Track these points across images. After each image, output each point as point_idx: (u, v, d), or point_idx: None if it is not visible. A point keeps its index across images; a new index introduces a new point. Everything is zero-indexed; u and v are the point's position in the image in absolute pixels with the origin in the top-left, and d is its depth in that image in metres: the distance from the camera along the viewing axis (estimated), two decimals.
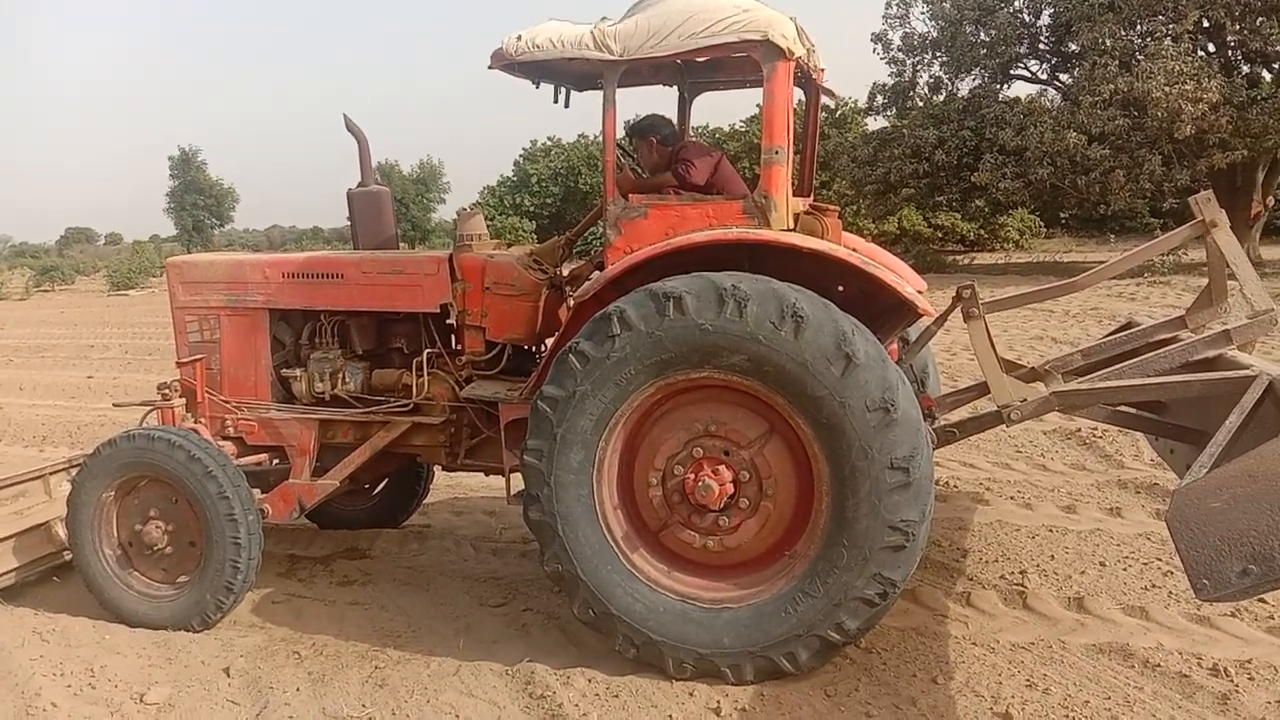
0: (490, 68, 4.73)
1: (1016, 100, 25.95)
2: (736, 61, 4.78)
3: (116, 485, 5.13)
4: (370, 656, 4.72)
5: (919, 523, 3.99)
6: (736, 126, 36.82)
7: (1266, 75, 23.00)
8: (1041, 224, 36.20)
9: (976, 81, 27.05)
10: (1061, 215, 34.93)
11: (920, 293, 4.84)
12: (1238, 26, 21.82)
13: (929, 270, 27.18)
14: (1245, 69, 23.04)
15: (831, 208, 4.95)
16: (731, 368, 4.11)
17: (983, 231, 35.14)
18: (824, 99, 5.54)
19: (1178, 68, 20.00)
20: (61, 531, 5.65)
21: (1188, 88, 19.75)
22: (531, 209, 41.14)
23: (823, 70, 5.19)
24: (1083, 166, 22.05)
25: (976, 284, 4.83)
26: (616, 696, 4.14)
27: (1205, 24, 22.25)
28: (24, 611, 5.37)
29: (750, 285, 4.04)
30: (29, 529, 5.66)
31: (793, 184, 5.05)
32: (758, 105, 4.78)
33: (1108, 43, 22.11)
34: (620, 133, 4.84)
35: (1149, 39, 21.77)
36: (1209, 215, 4.57)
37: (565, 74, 5.00)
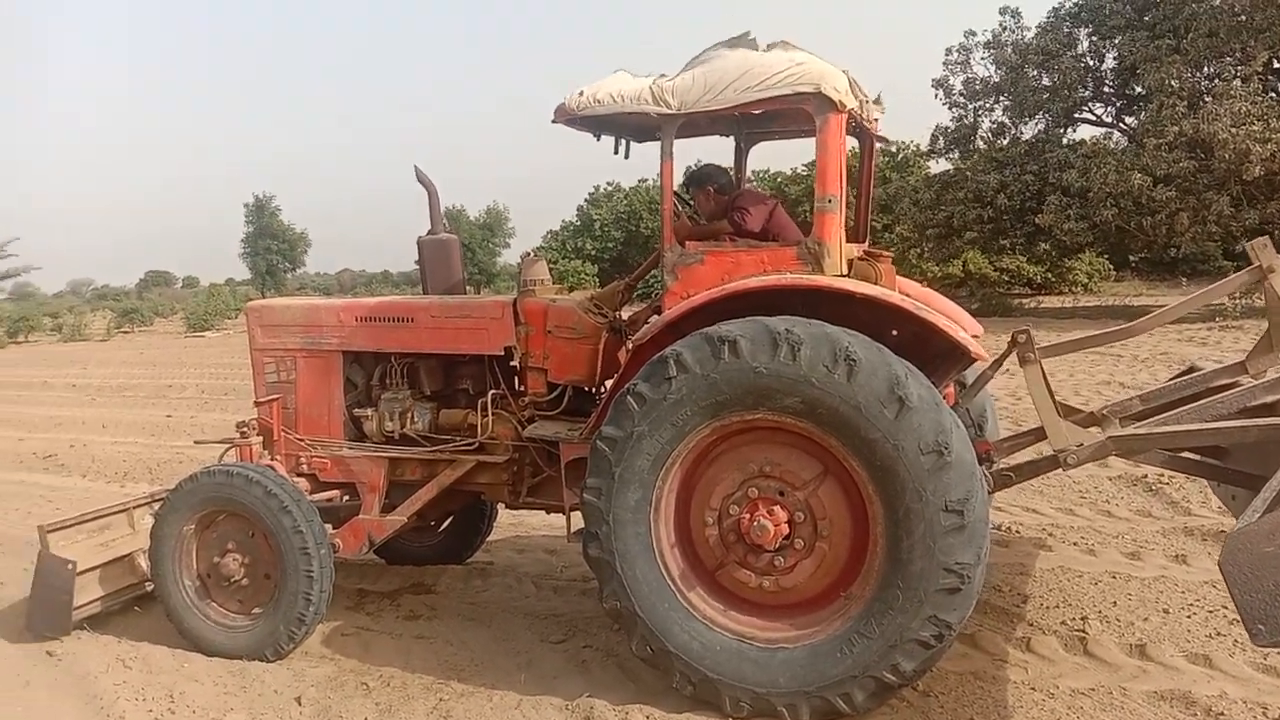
0: (554, 122, 4.93)
1: (1081, 143, 25.72)
2: (791, 112, 4.92)
3: (197, 519, 5.37)
4: (435, 689, 4.86)
5: (974, 565, 4.03)
6: (799, 170, 36.99)
7: None
8: (1111, 267, 35.61)
9: (1040, 125, 26.91)
10: (1131, 258, 34.37)
11: (976, 337, 4.91)
12: None
13: (994, 314, 26.93)
14: None
15: (885, 253, 5.05)
16: (785, 410, 4.21)
17: (1049, 275, 34.68)
18: (880, 145, 5.66)
19: (1245, 108, 19.72)
20: (144, 563, 5.90)
21: (1255, 128, 19.44)
22: (594, 253, 41.65)
23: (877, 120, 5.31)
24: (1148, 208, 21.74)
25: (1033, 329, 4.87)
26: None
27: (1276, 65, 21.95)
28: (108, 638, 5.62)
29: (803, 329, 4.15)
30: (113, 560, 5.90)
31: (847, 230, 5.18)
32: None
33: (1174, 84, 21.90)
34: (678, 181, 5.01)
35: (1216, 80, 21.53)
36: (1266, 261, 4.58)
37: (625, 127, 5.19)
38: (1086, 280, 35.11)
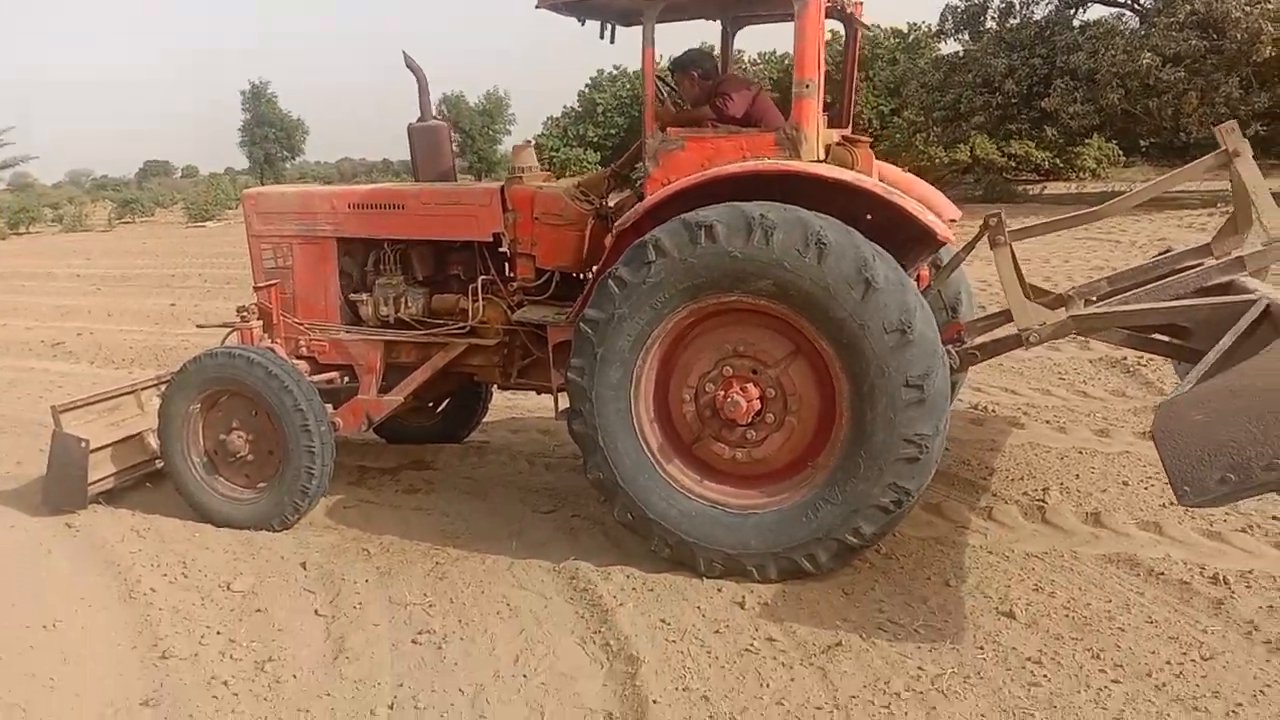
0: (537, 7, 4.99)
1: (1092, 23, 25.14)
2: None
3: (202, 399, 5.63)
4: (432, 554, 5.19)
5: (933, 437, 4.27)
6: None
7: None
8: (1120, 153, 35.15)
9: (1051, 5, 26.29)
10: (1141, 144, 33.91)
11: (952, 221, 5.06)
12: None
13: (998, 200, 26.78)
14: None
15: (863, 139, 5.15)
16: (759, 292, 4.40)
17: (1058, 160, 34.28)
18: (865, 30, 5.69)
19: None
20: (153, 441, 6.20)
21: (1269, 6, 19.04)
22: (596, 139, 41.10)
23: (860, 4, 5.35)
24: (1155, 90, 21.40)
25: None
26: (651, 590, 4.55)
27: None
28: (123, 512, 5.95)
29: (777, 214, 4.30)
30: (124, 439, 6.19)
31: (829, 115, 5.28)
32: None
33: None
34: (664, 66, 5.08)
35: None
36: (1232, 145, 4.69)
37: (608, 10, 5.23)
38: (1095, 166, 34.72)
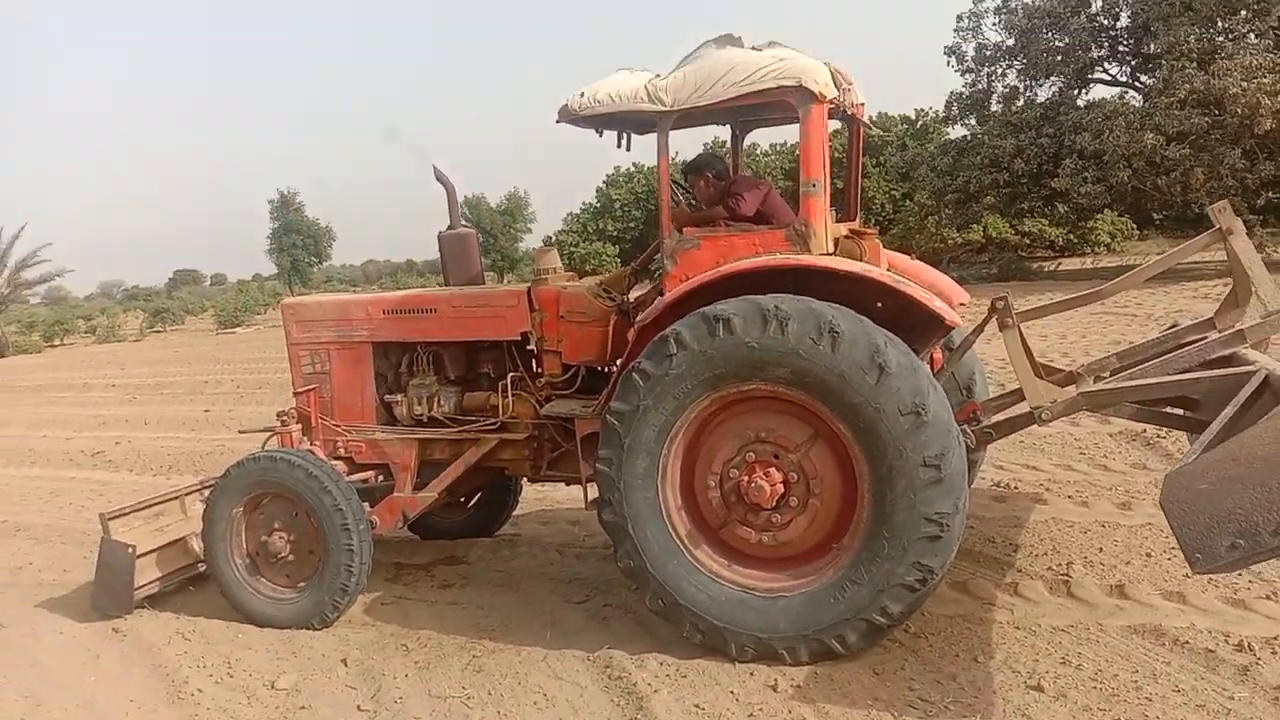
0: (558, 121, 5.31)
1: (1097, 103, 25.70)
2: (778, 104, 5.25)
3: (245, 501, 5.83)
4: (468, 648, 5.30)
5: (953, 514, 4.41)
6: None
7: None
8: (1133, 226, 35.47)
9: (1054, 87, 26.92)
10: (1154, 216, 34.24)
11: (960, 305, 5.27)
12: None
13: (1013, 278, 27.07)
14: None
15: (870, 230, 5.41)
16: (777, 380, 4.59)
17: (1071, 236, 34.62)
18: (866, 129, 5.99)
19: (1255, 62, 19.72)
20: (197, 545, 6.39)
21: (1266, 81, 19.46)
22: (615, 234, 41.91)
23: (862, 105, 5.65)
24: (1162, 167, 21.78)
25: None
26: (685, 676, 4.64)
27: None
28: (167, 615, 6.12)
29: (791, 305, 4.52)
30: (169, 543, 6.38)
31: (837, 209, 5.54)
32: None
33: (1189, 42, 21.87)
34: (678, 170, 5.37)
35: (1229, 37, 21.49)
36: (1225, 223, 4.90)
37: (624, 122, 5.56)
38: (1109, 240, 35.02)
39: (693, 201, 5.99)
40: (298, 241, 49.82)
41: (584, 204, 44.20)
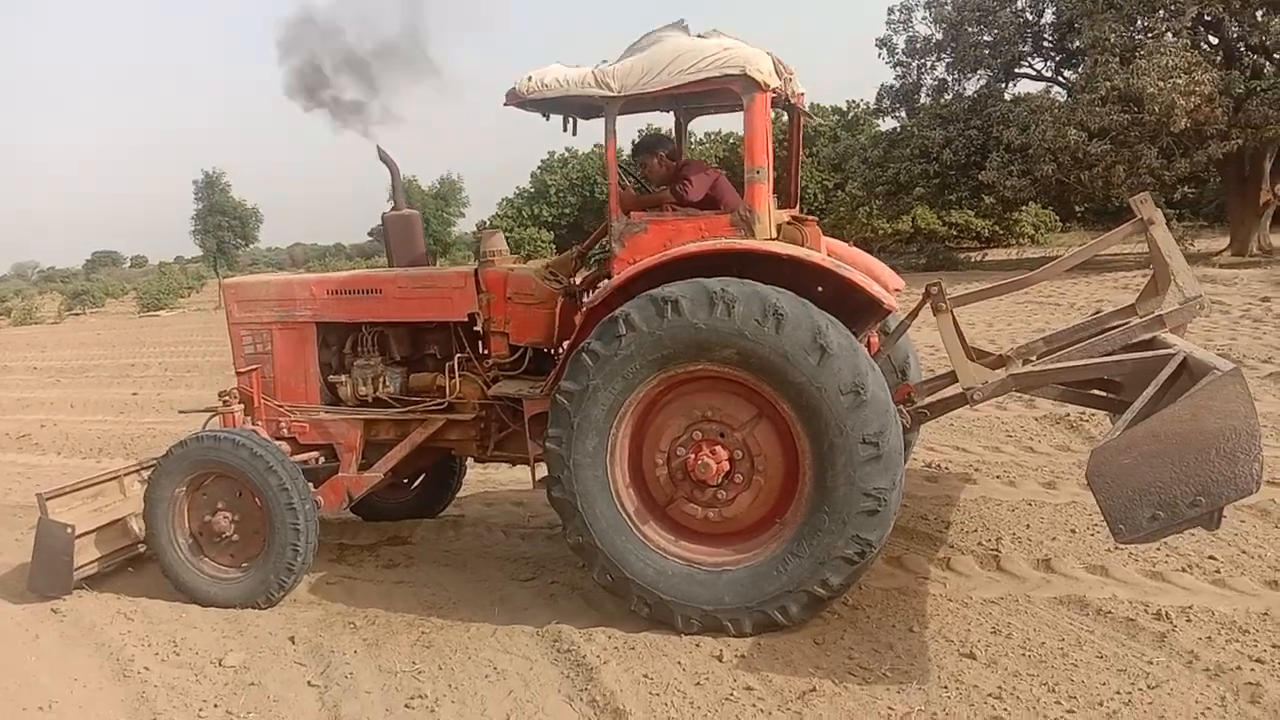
0: (505, 104, 5.36)
1: (1023, 98, 26.38)
2: (722, 91, 5.37)
3: (188, 481, 5.79)
4: (417, 625, 5.36)
5: (890, 490, 4.59)
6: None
7: (1268, 66, 23.30)
8: (1056, 218, 36.54)
9: (982, 81, 27.53)
10: (1076, 209, 35.29)
11: (895, 291, 5.45)
12: (1235, 20, 22.24)
13: (941, 268, 27.68)
14: (1249, 60, 23.34)
15: (811, 218, 5.57)
16: (723, 360, 4.73)
17: (997, 228, 35.58)
18: (805, 118, 6.15)
19: (1170, 62, 20.41)
20: (136, 526, 6.33)
21: (1180, 81, 20.15)
22: (549, 219, 41.84)
23: (802, 94, 5.80)
24: (1085, 162, 22.46)
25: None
26: (633, 649, 4.77)
27: (1206, 18, 22.64)
28: (108, 596, 6.05)
29: (737, 288, 4.65)
30: (108, 524, 6.30)
31: (779, 196, 5.68)
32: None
33: (1110, 39, 22.53)
34: (627, 152, 5.45)
35: (1149, 35, 22.20)
36: (1147, 214, 5.14)
37: (571, 107, 5.63)
38: (1033, 232, 36.06)
39: (638, 186, 6.08)
40: (224, 223, 48.62)
41: (518, 189, 44.02)
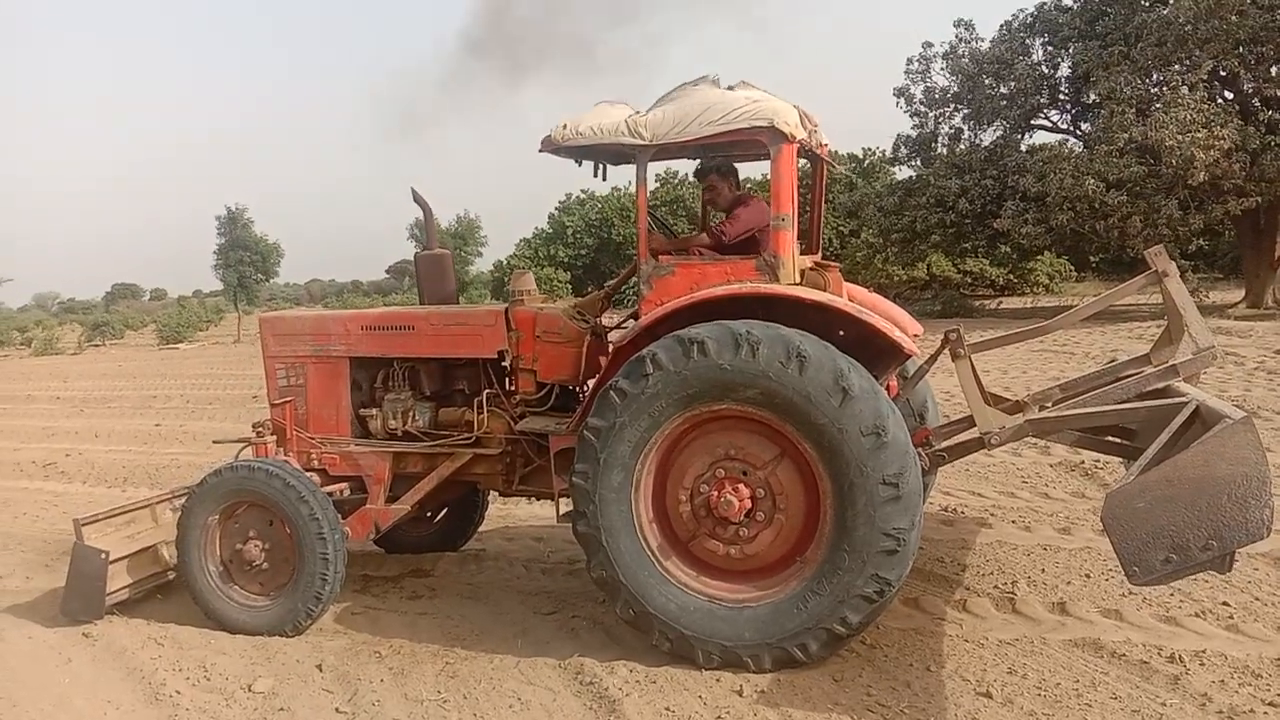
0: (540, 151, 5.57)
1: (1039, 148, 26.65)
2: (749, 141, 5.54)
3: (221, 509, 5.94)
4: (441, 655, 5.46)
5: (909, 530, 4.70)
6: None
7: None
8: (1072, 268, 36.68)
9: (998, 132, 27.84)
10: (1091, 259, 35.45)
11: (915, 337, 5.59)
12: (1251, 75, 22.49)
13: (956, 315, 27.84)
14: (1265, 115, 23.56)
15: (833, 264, 5.73)
16: (747, 400, 4.87)
17: (1012, 276, 35.74)
18: (830, 167, 6.33)
19: (1189, 116, 20.63)
20: (167, 554, 6.47)
21: (1200, 135, 20.37)
22: (566, 260, 42.24)
23: (826, 145, 5.98)
24: (1101, 212, 22.63)
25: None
26: (654, 683, 4.86)
27: (1221, 73, 22.91)
28: (138, 621, 6.17)
29: (762, 331, 4.81)
30: (139, 551, 6.44)
31: (802, 242, 5.85)
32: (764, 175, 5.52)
33: (1125, 91, 22.81)
34: (658, 197, 5.61)
35: (1164, 88, 22.47)
36: (1162, 266, 5.28)
37: (603, 154, 5.83)
38: (1048, 281, 36.20)
39: (665, 231, 6.26)
40: (245, 258, 49.16)
41: (536, 229, 44.50)
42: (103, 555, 6.04)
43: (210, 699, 5.05)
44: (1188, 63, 22.45)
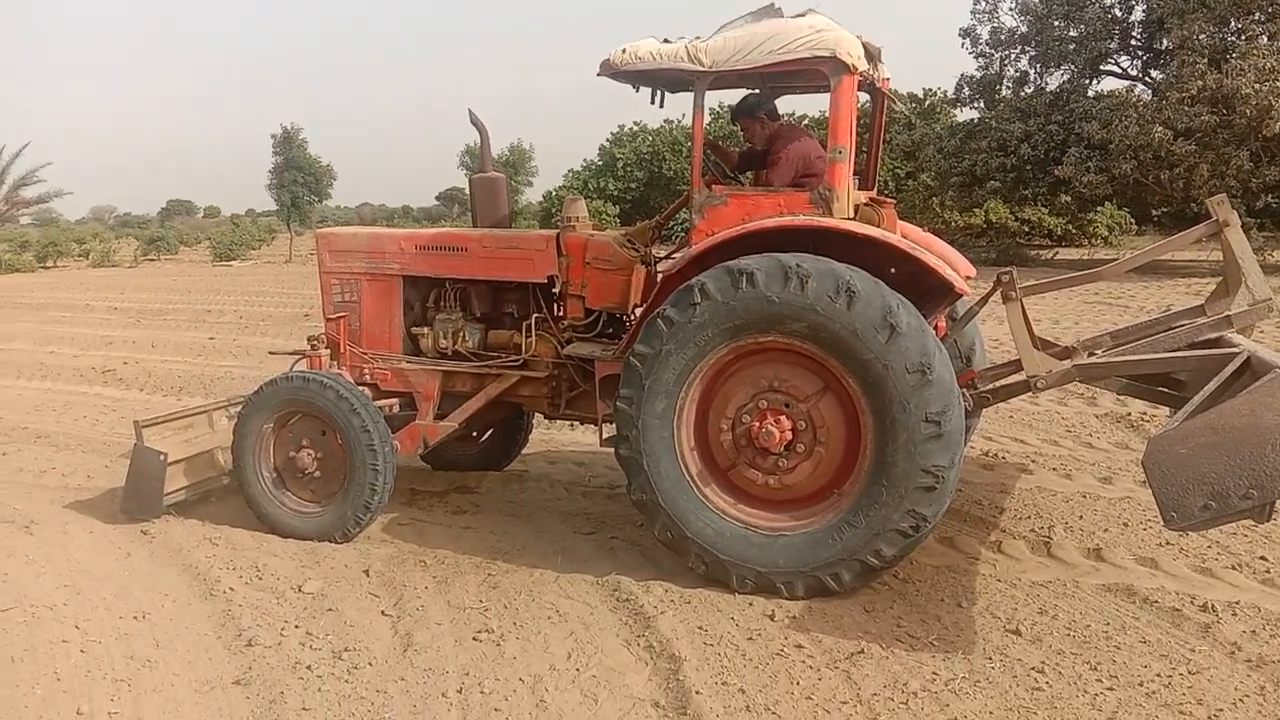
0: (599, 74, 5.55)
1: (1104, 95, 25.90)
2: (809, 72, 5.47)
3: (275, 418, 6.13)
4: (483, 567, 5.64)
5: (949, 468, 4.74)
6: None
7: None
8: (1132, 220, 35.77)
9: (1065, 76, 27.08)
10: (1153, 213, 34.56)
11: (968, 277, 5.56)
12: None
13: (1011, 263, 27.24)
14: None
15: (888, 200, 5.70)
16: (793, 334, 4.90)
17: (1070, 227, 34.91)
18: (890, 103, 6.25)
19: (1271, 64, 19.93)
20: (222, 459, 6.70)
21: (1279, 85, 19.67)
22: (616, 193, 41.97)
23: (888, 79, 5.91)
24: (1167, 161, 22.03)
25: (1016, 270, 5.53)
26: (688, 603, 4.99)
27: None
28: (193, 522, 6.42)
29: (811, 264, 4.82)
30: (196, 455, 6.67)
31: (858, 178, 5.81)
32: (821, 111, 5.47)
33: (1201, 39, 22.05)
34: (713, 122, 5.59)
35: (1241, 37, 21.69)
36: (1223, 215, 5.20)
37: (661, 80, 5.80)
38: (1107, 234, 35.34)
39: (722, 166, 6.22)
40: (299, 179, 49.46)
41: (586, 161, 44.22)
42: (161, 456, 6.27)
43: (262, 596, 5.27)
44: (1269, 10, 21.60)
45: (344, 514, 5.98)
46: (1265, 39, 21.05)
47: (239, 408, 6.43)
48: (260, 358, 13.13)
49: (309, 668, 4.44)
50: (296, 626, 4.89)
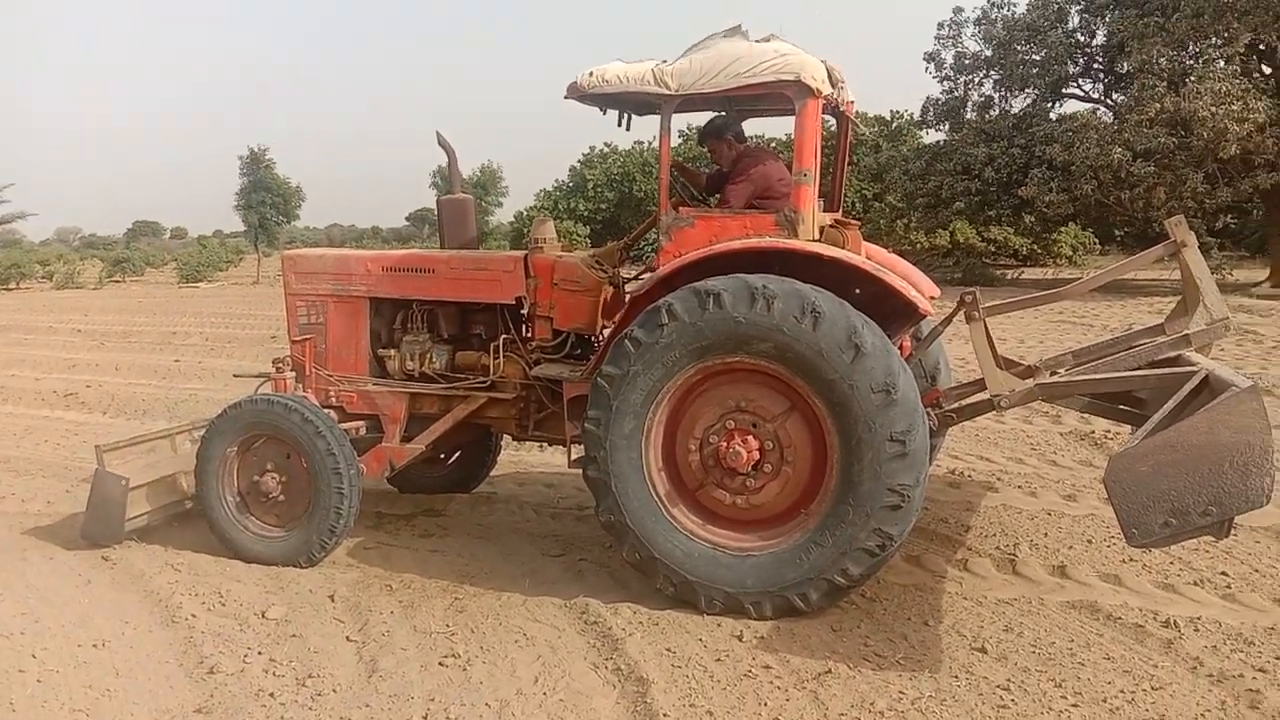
0: (566, 98, 5.58)
1: (1066, 117, 26.29)
2: (775, 95, 5.51)
3: (239, 441, 6.06)
4: (451, 590, 5.60)
5: (914, 487, 4.77)
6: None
7: None
8: (1095, 240, 36.33)
9: (1028, 100, 27.49)
10: (1116, 232, 35.10)
11: (932, 297, 5.62)
12: None
13: (976, 283, 27.59)
14: None
15: (853, 222, 5.75)
16: (760, 354, 4.93)
17: (1035, 247, 35.38)
18: (854, 126, 6.32)
19: (1226, 88, 20.34)
20: (185, 483, 6.61)
21: (1234, 108, 20.09)
22: (586, 213, 42.06)
23: (852, 103, 5.97)
24: (1127, 182, 22.39)
25: (979, 292, 5.59)
26: (657, 624, 4.98)
27: (1260, 46, 22.52)
28: (156, 548, 6.33)
29: (777, 285, 4.85)
30: (158, 479, 6.58)
31: (823, 199, 5.86)
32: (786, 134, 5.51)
33: (1160, 63, 22.46)
34: (677, 145, 5.63)
35: (1199, 60, 22.13)
36: (1180, 236, 5.29)
37: (628, 103, 5.84)
38: (1071, 253, 35.85)
39: (690, 188, 6.25)
40: (267, 199, 49.25)
41: (556, 181, 44.30)
42: (123, 481, 6.18)
43: (225, 623, 5.20)
44: (1225, 35, 22.04)
45: (309, 538, 5.92)
46: (1222, 63, 21.47)
47: (202, 431, 6.37)
48: (225, 380, 12.98)
49: (272, 695, 4.38)
50: (260, 653, 4.82)
